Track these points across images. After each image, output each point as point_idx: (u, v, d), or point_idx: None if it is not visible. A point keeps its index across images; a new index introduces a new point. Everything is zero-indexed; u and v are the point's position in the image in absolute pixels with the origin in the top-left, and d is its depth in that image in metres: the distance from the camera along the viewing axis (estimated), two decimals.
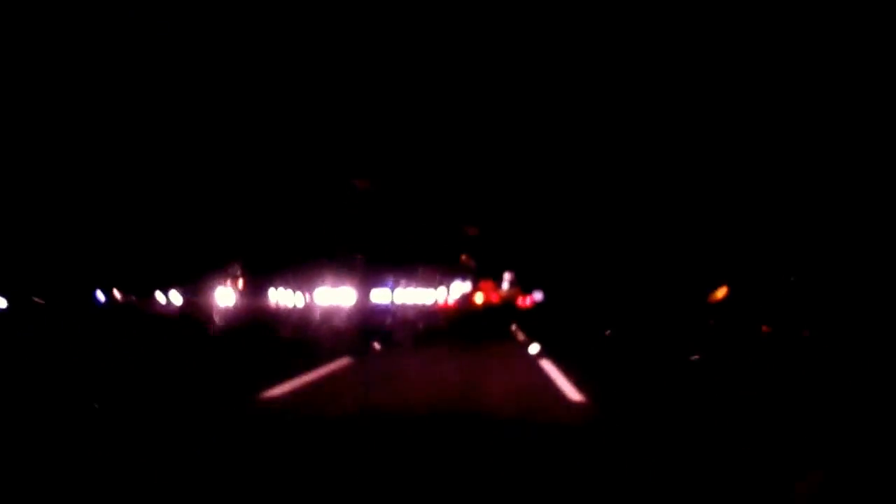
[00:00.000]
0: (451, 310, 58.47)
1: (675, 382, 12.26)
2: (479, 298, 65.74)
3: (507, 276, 70.45)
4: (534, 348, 16.73)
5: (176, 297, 42.23)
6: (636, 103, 29.71)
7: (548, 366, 13.82)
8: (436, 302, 60.14)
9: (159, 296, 42.43)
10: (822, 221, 22.25)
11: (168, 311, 36.71)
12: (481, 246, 68.49)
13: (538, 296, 59.46)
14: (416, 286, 62.86)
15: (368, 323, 29.33)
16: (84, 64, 28.81)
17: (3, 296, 32.71)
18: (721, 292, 25.34)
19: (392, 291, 57.66)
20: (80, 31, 27.01)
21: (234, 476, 3.34)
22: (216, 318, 32.70)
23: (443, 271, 66.49)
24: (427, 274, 64.54)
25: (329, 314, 39.90)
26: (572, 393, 10.54)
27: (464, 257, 73.64)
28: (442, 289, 65.26)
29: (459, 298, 66.47)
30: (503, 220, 58.14)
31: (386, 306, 51.55)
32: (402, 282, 61.72)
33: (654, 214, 32.90)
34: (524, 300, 60.88)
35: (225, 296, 44.87)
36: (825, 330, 19.10)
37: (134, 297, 41.52)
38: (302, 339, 20.80)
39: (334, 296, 55.55)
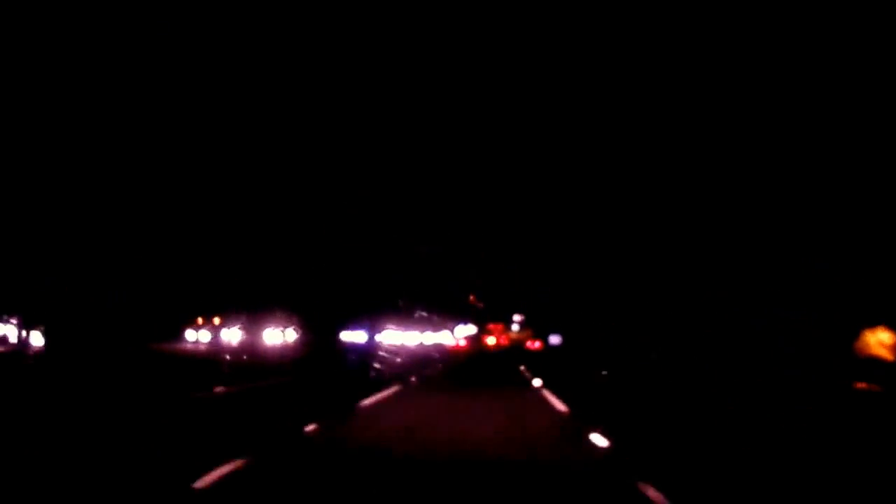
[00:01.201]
0: (462, 351, 59.17)
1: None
2: (490, 340, 66.19)
3: (516, 319, 69.05)
4: (544, 390, 17.73)
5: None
6: (660, 137, 28.77)
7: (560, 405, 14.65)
8: (442, 344, 60.36)
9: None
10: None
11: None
12: (489, 288, 69.43)
13: (555, 339, 57.93)
14: (425, 329, 63.33)
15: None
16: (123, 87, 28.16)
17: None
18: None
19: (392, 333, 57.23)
20: (85, 33, 26.45)
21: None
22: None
23: (450, 314, 67.66)
24: (435, 317, 65.13)
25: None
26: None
27: (472, 298, 74.72)
28: (446, 332, 66.95)
29: (471, 340, 66.53)
30: (514, 262, 59.12)
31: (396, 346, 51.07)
32: (423, 321, 61.88)
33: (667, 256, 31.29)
34: (533, 343, 60.94)
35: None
36: None
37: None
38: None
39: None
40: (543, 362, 34.45)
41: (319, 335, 44.58)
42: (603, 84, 29.52)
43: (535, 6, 28.22)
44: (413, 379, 20.99)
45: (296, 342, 46.24)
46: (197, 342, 37.52)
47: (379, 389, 16.46)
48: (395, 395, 16.10)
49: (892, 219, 19.09)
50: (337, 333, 49.80)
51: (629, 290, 38.14)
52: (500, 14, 28.99)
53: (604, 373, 25.63)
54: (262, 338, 45.19)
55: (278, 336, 47.29)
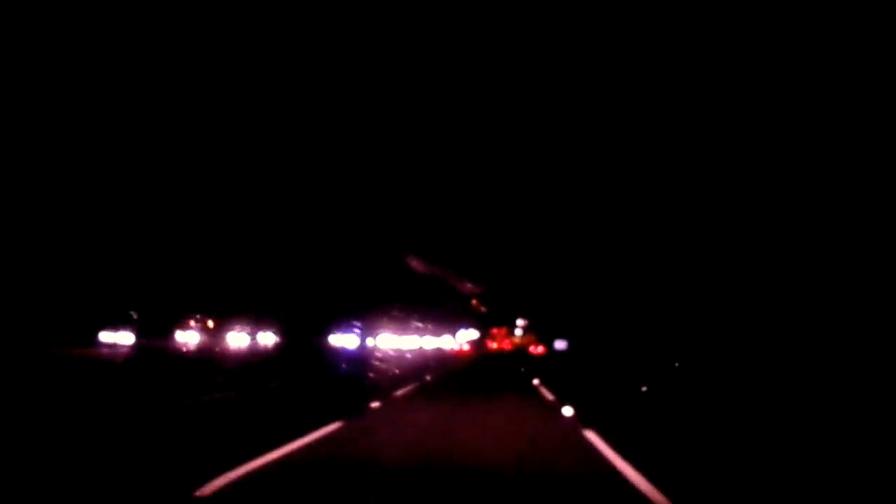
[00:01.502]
0: (465, 355, 56.61)
1: None
2: (493, 345, 63.30)
3: (520, 323, 66.10)
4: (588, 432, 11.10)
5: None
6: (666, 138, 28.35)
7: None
8: (441, 349, 57.46)
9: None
10: None
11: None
12: (492, 292, 65.55)
13: (561, 344, 54.99)
14: (429, 334, 59.31)
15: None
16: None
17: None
18: None
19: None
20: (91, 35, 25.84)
21: None
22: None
23: (452, 318, 63.27)
24: (438, 321, 60.93)
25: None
26: None
27: (474, 302, 70.30)
28: (448, 336, 62.40)
29: (473, 344, 63.82)
30: (516, 265, 56.02)
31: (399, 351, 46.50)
32: (419, 329, 57.73)
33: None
34: (536, 348, 58.94)
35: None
36: None
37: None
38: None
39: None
40: (559, 373, 29.02)
41: (300, 339, 38.84)
42: (604, 84, 29.27)
43: (535, 6, 27.74)
44: (375, 405, 13.75)
45: (274, 346, 40.31)
46: (115, 346, 30.87)
47: (310, 427, 9.56)
48: (327, 441, 9.06)
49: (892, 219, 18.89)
50: (324, 337, 44.06)
51: (632, 291, 37.02)
52: (500, 14, 28.08)
53: (643, 388, 20.56)
54: (224, 340, 38.90)
55: (244, 339, 40.60)
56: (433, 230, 48.48)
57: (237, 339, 40.36)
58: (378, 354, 43.50)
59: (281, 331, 43.66)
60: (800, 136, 21.63)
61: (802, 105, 21.26)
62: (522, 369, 30.11)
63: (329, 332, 46.49)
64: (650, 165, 30.26)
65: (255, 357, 32.46)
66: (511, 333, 64.99)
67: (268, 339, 43.50)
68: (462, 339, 64.16)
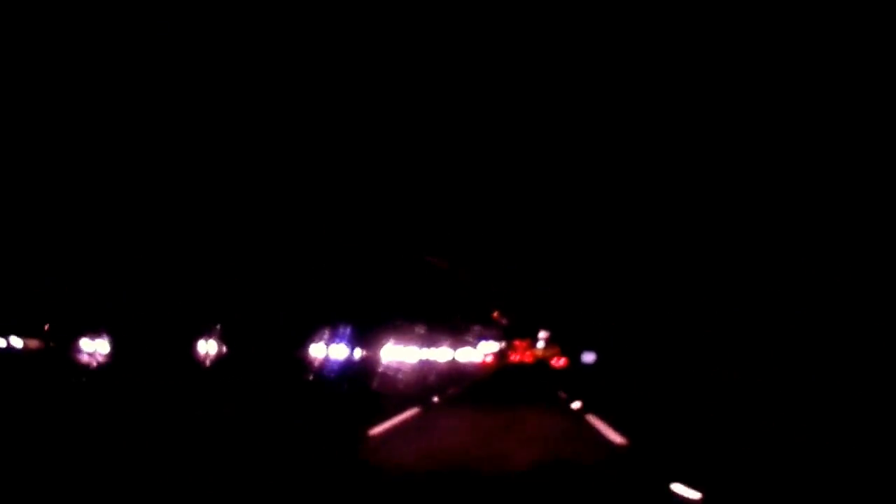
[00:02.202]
0: (489, 367, 57.08)
1: None
2: (515, 358, 62.71)
3: (542, 335, 64.43)
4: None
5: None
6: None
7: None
8: (456, 361, 57.28)
9: None
10: None
11: None
12: (514, 303, 65.77)
13: (589, 357, 52.55)
14: (449, 345, 58.46)
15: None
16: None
17: None
18: None
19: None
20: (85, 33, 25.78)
21: None
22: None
23: (474, 331, 63.19)
24: (459, 333, 60.69)
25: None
26: None
27: (496, 314, 70.77)
28: (468, 348, 61.91)
29: (496, 356, 63.44)
30: (540, 276, 55.68)
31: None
32: (436, 340, 56.72)
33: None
34: (558, 361, 58.21)
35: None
36: None
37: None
38: None
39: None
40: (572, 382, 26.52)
41: (255, 347, 31.72)
42: (623, 91, 28.42)
43: (535, 7, 27.15)
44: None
45: (217, 356, 31.22)
46: None
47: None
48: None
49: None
50: (302, 346, 37.77)
51: (660, 298, 36.07)
52: (501, 15, 27.80)
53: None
54: (76, 347, 29.59)
55: (102, 345, 30.19)
56: (450, 234, 47.09)
57: (91, 346, 27.46)
58: (385, 364, 41.12)
59: (223, 336, 33.51)
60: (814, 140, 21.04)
61: (804, 107, 20.86)
62: (564, 396, 21.90)
63: (309, 339, 38.96)
64: (676, 168, 29.77)
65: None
66: (533, 345, 64.24)
67: (209, 347, 32.43)
68: (484, 351, 63.14)
